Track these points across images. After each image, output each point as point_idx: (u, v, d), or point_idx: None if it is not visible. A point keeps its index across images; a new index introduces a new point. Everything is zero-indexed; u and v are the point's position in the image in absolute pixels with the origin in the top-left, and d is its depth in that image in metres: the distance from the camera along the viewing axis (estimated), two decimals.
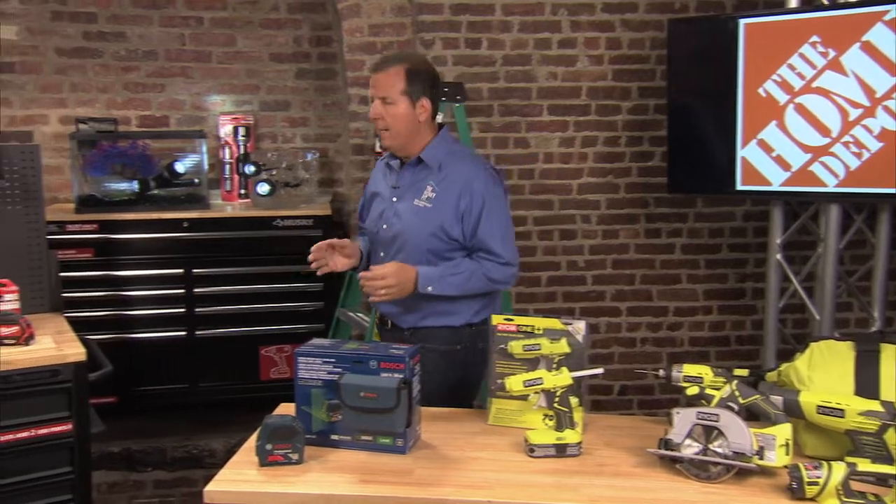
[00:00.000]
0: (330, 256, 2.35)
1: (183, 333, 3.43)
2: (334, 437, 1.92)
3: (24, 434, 2.25)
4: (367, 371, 1.90)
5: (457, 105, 3.22)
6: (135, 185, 3.48)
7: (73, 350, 2.35)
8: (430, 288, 2.26)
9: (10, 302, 2.50)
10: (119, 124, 3.59)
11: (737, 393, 1.78)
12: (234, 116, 3.76)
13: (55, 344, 2.38)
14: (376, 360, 1.91)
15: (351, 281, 3.51)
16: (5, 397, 2.23)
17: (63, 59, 3.64)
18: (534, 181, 3.87)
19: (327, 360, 1.93)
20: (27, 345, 2.33)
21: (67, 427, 2.31)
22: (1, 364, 2.22)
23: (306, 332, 3.36)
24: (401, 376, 1.88)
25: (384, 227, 2.39)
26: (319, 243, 2.34)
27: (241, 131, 3.73)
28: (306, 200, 3.65)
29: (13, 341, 2.32)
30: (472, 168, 2.33)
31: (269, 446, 1.81)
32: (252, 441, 1.88)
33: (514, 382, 1.93)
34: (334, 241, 2.37)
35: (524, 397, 2.00)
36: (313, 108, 3.91)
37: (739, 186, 3.40)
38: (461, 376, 2.42)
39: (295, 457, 1.82)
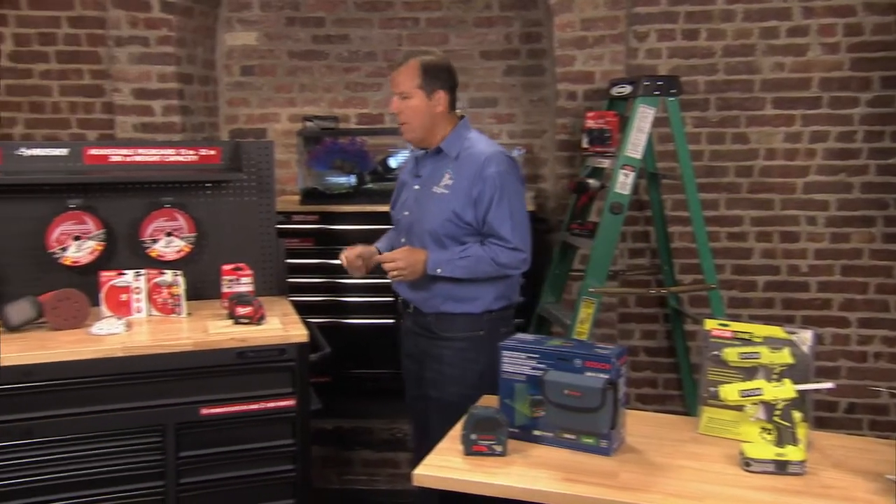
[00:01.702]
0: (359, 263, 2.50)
1: (391, 321, 3.58)
2: (537, 432, 1.92)
3: (255, 406, 2.45)
4: (571, 369, 1.88)
5: (670, 99, 3.08)
6: (352, 179, 3.67)
7: (297, 332, 2.52)
8: (438, 270, 2.36)
9: (246, 284, 2.75)
10: (340, 122, 3.81)
11: None
12: None
13: (282, 325, 2.56)
14: (581, 359, 1.88)
15: (551, 277, 3.49)
16: (241, 371, 2.44)
17: (294, 61, 3.93)
18: (752, 179, 3.62)
19: (531, 355, 1.93)
20: (259, 324, 2.54)
21: (291, 402, 2.48)
22: (237, 340, 2.43)
23: None
24: (606, 376, 1.84)
25: (405, 213, 2.51)
26: (350, 257, 2.48)
27: None
28: None
29: (248, 320, 2.53)
30: (486, 156, 2.38)
31: (473, 436, 1.84)
32: (457, 430, 1.92)
33: (730, 391, 1.82)
34: (359, 250, 2.49)
35: (739, 408, 1.88)
36: (520, 104, 3.92)
37: None
38: (490, 361, 2.33)
39: (499, 448, 1.84)
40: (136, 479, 2.37)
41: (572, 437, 1.88)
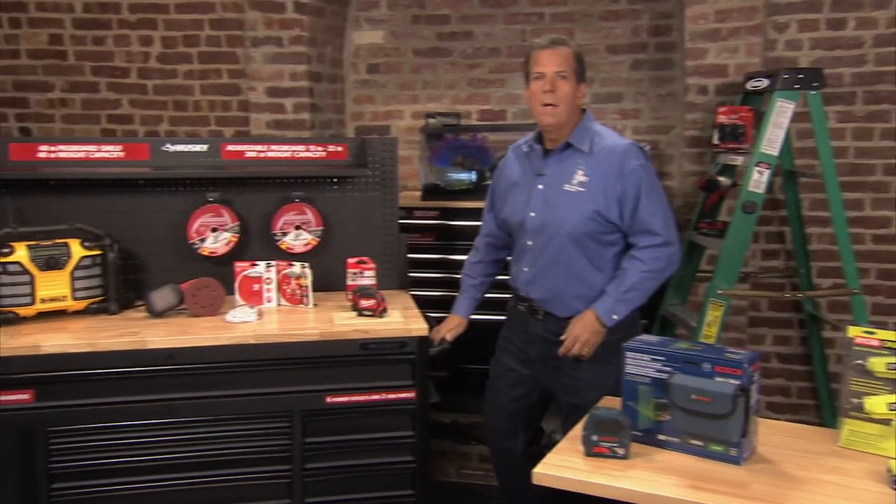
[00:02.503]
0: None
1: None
2: (661, 436, 1.87)
3: (376, 396, 2.50)
4: (699, 373, 1.82)
5: (812, 93, 2.91)
6: (472, 176, 3.67)
7: (418, 325, 2.55)
8: (614, 316, 2.30)
9: (369, 278, 2.81)
10: (462, 118, 3.83)
11: None
12: None
13: (403, 319, 2.60)
14: (710, 363, 1.81)
15: (676, 278, 3.37)
16: (363, 362, 2.49)
17: (418, 59, 3.99)
18: None
19: (656, 357, 1.88)
20: (381, 317, 2.59)
21: (411, 395, 2.52)
22: (361, 332, 2.49)
23: None
24: (738, 382, 1.76)
25: (531, 214, 2.40)
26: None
27: None
28: None
29: (370, 313, 2.59)
30: (623, 150, 2.33)
31: (595, 437, 1.81)
32: (578, 430, 1.89)
33: (876, 404, 1.70)
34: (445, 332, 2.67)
35: (886, 421, 1.75)
36: (646, 99, 3.81)
37: None
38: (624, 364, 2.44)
39: (621, 451, 1.80)
40: (265, 462, 2.47)
41: (699, 443, 1.81)
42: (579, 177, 2.33)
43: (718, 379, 1.79)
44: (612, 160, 2.31)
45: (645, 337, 2.00)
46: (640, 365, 1.90)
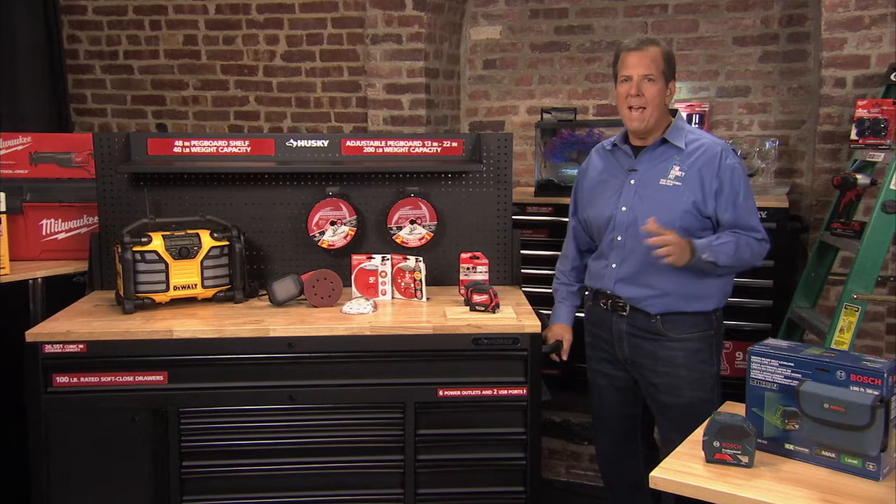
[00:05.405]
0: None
1: None
2: (789, 446, 1.78)
3: (488, 392, 2.50)
4: (832, 381, 1.72)
5: None
6: None
7: (530, 322, 2.52)
8: (705, 255, 2.24)
9: (482, 273, 2.81)
10: (578, 113, 3.78)
11: None
12: (689, 104, 3.69)
13: (515, 315, 2.58)
14: (845, 371, 1.71)
15: (806, 280, 3.20)
16: (476, 357, 2.50)
17: (535, 53, 3.96)
18: None
19: (784, 363, 1.80)
20: (493, 313, 2.58)
21: (523, 391, 2.50)
22: (473, 327, 2.49)
23: (751, 331, 3.17)
24: (877, 392, 1.65)
25: (623, 209, 2.40)
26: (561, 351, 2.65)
27: (696, 118, 3.64)
28: (760, 191, 3.42)
29: (483, 308, 2.59)
30: (721, 148, 2.34)
31: (716, 443, 1.75)
32: (698, 434, 1.83)
33: None
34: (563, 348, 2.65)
35: None
36: (776, 92, 3.64)
37: None
38: (719, 363, 2.44)
39: (745, 459, 1.73)
40: (379, 451, 2.52)
41: (832, 455, 1.71)
42: (675, 172, 2.36)
43: (854, 388, 1.69)
44: (710, 157, 2.33)
45: (772, 341, 1.91)
46: (766, 370, 1.82)
